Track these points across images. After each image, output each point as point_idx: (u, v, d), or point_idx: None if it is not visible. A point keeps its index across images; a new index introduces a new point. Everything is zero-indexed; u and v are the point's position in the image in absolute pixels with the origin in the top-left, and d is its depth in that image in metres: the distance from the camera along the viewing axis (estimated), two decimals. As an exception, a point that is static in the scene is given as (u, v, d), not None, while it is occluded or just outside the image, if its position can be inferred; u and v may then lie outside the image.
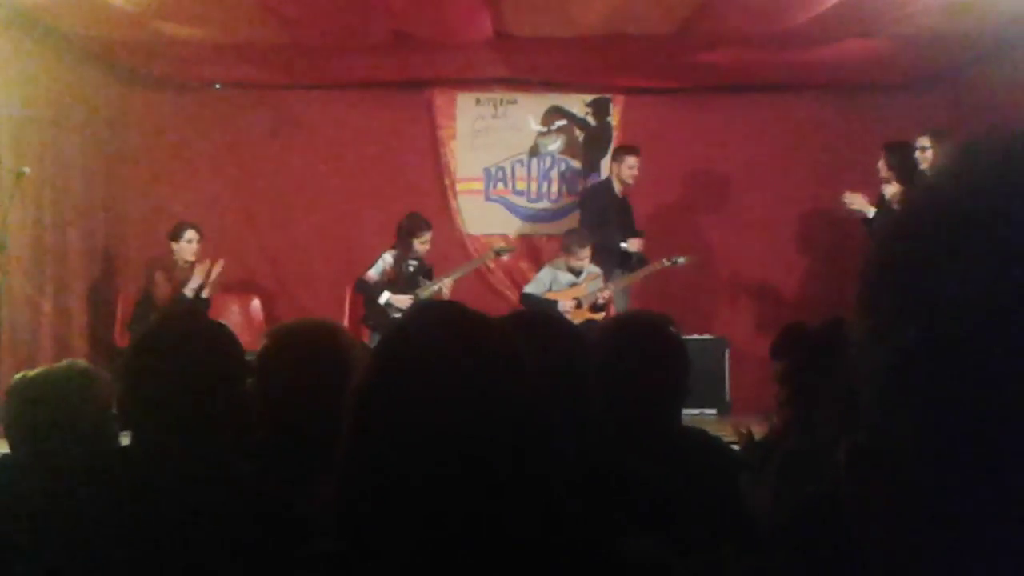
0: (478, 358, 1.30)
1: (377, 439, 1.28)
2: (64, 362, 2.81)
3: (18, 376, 2.74)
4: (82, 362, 2.85)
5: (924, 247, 0.60)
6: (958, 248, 0.57)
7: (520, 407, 1.30)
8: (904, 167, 6.83)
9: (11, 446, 2.70)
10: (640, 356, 2.58)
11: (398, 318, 7.36)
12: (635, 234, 8.02)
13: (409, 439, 1.26)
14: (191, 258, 7.45)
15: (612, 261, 7.89)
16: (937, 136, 6.85)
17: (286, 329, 2.61)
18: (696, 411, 7.13)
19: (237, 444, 2.15)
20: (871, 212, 7.04)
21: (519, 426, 1.29)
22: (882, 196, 7.02)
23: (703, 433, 2.79)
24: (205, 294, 7.44)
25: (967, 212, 0.59)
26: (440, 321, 1.37)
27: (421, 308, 1.49)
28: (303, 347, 2.43)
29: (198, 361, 2.06)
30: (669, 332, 2.75)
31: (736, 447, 3.00)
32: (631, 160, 8.00)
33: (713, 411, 7.72)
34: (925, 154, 6.86)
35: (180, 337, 2.13)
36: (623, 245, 7.89)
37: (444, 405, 1.26)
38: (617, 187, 8.07)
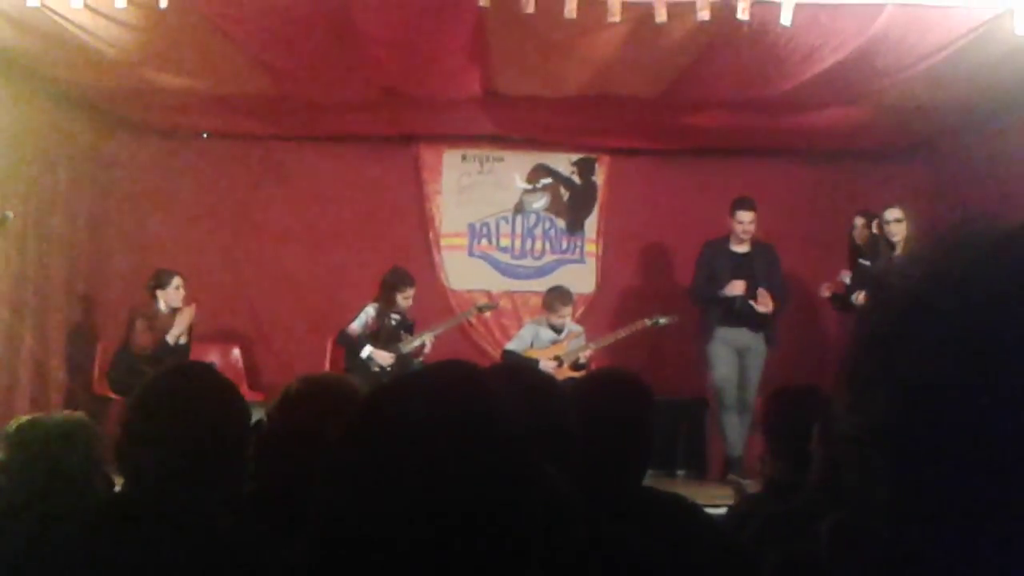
0: (465, 424, 1.29)
1: (351, 497, 1.28)
2: (62, 413, 2.83)
3: (15, 422, 2.74)
4: (79, 414, 2.86)
5: (897, 328, 0.64)
6: (928, 331, 0.62)
7: (508, 476, 1.29)
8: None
9: (4, 490, 2.69)
10: (604, 415, 2.58)
11: (392, 374, 7.37)
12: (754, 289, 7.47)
13: (384, 500, 1.25)
14: (178, 305, 7.43)
15: (715, 314, 7.53)
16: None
17: (311, 379, 2.64)
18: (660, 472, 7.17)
19: (232, 496, 2.15)
20: (828, 293, 7.21)
21: (509, 495, 1.28)
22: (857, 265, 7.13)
23: (668, 494, 2.77)
24: (182, 340, 7.42)
25: (937, 298, 0.63)
26: (431, 382, 1.37)
27: (424, 370, 1.47)
28: (325, 398, 2.45)
29: (201, 413, 2.08)
30: (635, 390, 2.75)
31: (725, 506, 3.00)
32: (739, 215, 7.51)
33: (683, 472, 7.73)
34: (891, 227, 6.97)
35: (185, 388, 2.16)
36: (721, 292, 7.45)
37: (426, 468, 1.25)
38: (733, 242, 7.63)
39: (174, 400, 2.11)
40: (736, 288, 7.41)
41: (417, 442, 1.25)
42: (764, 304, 7.39)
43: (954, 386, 0.60)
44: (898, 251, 6.96)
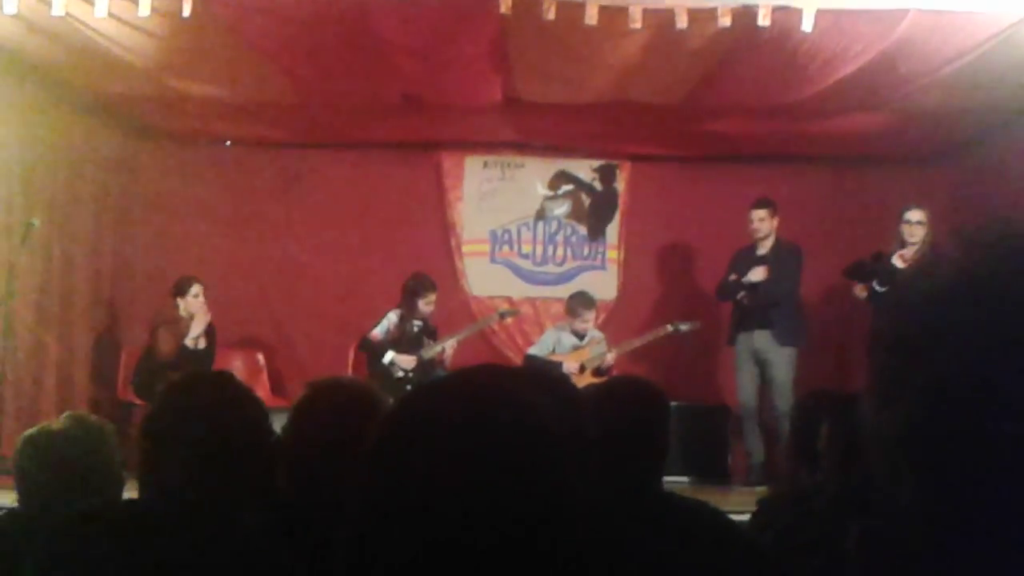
0: (499, 432, 1.26)
1: (386, 506, 1.26)
2: (73, 415, 2.83)
3: (29, 431, 2.76)
4: (91, 416, 2.88)
5: (925, 329, 0.63)
6: (956, 332, 0.61)
7: (540, 485, 1.27)
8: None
9: (21, 499, 2.71)
10: (619, 421, 2.58)
11: (414, 380, 7.38)
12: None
13: (420, 508, 1.22)
14: (197, 312, 7.47)
15: (734, 318, 7.72)
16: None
17: (324, 383, 2.63)
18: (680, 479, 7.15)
19: (256, 501, 2.16)
20: (864, 294, 7.16)
21: (539, 505, 1.26)
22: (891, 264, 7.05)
23: (691, 500, 2.76)
24: (201, 344, 7.43)
25: (965, 298, 0.62)
26: (464, 387, 1.34)
27: (453, 376, 1.43)
28: (342, 402, 2.45)
29: (223, 420, 2.10)
30: (650, 397, 2.74)
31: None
32: (750, 214, 7.63)
33: (714, 479, 7.71)
34: (911, 228, 6.92)
35: (206, 395, 2.18)
36: (745, 278, 7.54)
37: (457, 477, 1.21)
38: (758, 246, 7.67)
39: (191, 408, 2.13)
40: (758, 274, 7.51)
41: (450, 450, 1.23)
42: (756, 274, 7.50)
43: (983, 388, 0.59)
44: (907, 258, 6.90)
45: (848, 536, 0.67)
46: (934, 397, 0.61)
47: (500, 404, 1.27)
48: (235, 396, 2.22)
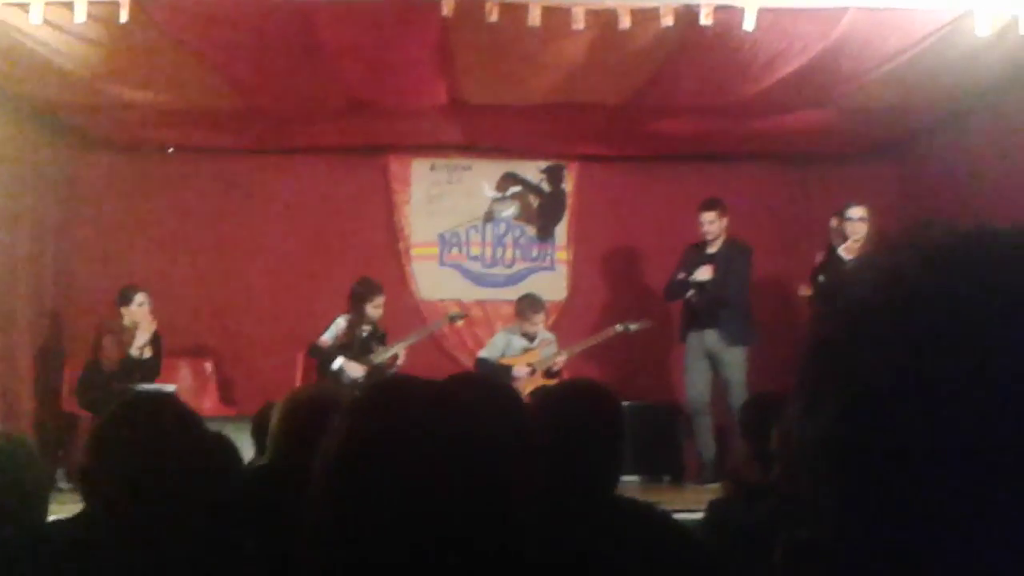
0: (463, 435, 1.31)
1: (349, 510, 1.30)
2: None
3: None
4: (7, 432, 2.78)
5: (846, 334, 0.63)
6: (877, 337, 0.60)
7: (491, 490, 1.33)
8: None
9: None
10: (572, 425, 2.57)
11: (364, 386, 7.34)
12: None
13: (382, 512, 1.27)
14: (141, 321, 7.39)
15: (684, 317, 7.75)
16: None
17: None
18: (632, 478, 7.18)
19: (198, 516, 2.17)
20: (808, 293, 7.25)
21: (497, 506, 1.31)
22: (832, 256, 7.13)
23: (639, 503, 2.76)
24: (147, 354, 7.34)
25: (887, 304, 0.62)
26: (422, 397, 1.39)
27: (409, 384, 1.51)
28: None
29: (159, 443, 2.10)
30: (603, 401, 2.74)
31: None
32: (700, 216, 7.63)
33: (667, 478, 7.75)
34: (853, 224, 7.01)
35: (150, 413, 2.19)
36: (692, 277, 7.57)
37: (419, 481, 1.27)
38: (708, 244, 7.70)
39: (134, 430, 2.15)
40: (704, 273, 7.54)
41: (406, 461, 1.27)
42: (703, 273, 7.53)
43: (903, 395, 0.59)
44: (852, 251, 6.99)
45: (775, 548, 0.66)
46: (856, 402, 0.61)
47: (451, 416, 1.33)
48: (175, 418, 2.23)
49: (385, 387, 1.58)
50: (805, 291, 7.34)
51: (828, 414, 0.62)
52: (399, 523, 1.25)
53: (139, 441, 2.12)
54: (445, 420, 1.31)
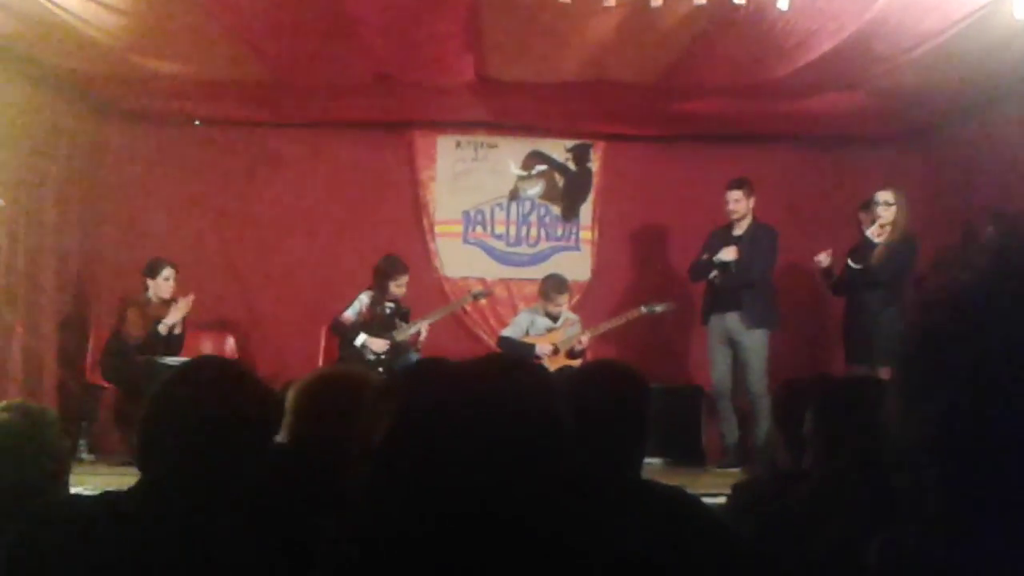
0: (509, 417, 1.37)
1: (399, 489, 1.32)
2: (11, 404, 2.68)
3: None
4: (30, 404, 2.73)
5: (960, 325, 0.59)
6: (995, 328, 0.56)
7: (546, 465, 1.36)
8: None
9: None
10: (599, 406, 2.55)
11: (386, 362, 7.35)
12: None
13: (433, 491, 1.31)
14: (166, 296, 7.40)
15: (706, 300, 7.70)
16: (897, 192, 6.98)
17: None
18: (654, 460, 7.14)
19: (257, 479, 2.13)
20: (827, 262, 7.17)
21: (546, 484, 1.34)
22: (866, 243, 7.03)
23: (667, 487, 2.72)
24: (177, 331, 7.38)
25: (1005, 291, 0.58)
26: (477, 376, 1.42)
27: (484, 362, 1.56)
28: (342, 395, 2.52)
29: (224, 407, 2.08)
30: (630, 381, 2.72)
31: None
32: (726, 195, 7.56)
33: (682, 460, 7.71)
34: (882, 209, 6.92)
35: (207, 381, 2.14)
36: (716, 257, 7.51)
37: (470, 462, 1.31)
38: (733, 226, 7.63)
39: (194, 394, 2.10)
40: (728, 253, 7.48)
41: (460, 437, 1.29)
42: (727, 254, 7.47)
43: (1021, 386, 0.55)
44: (880, 235, 6.91)
45: (868, 547, 0.62)
46: (969, 398, 0.56)
47: (500, 401, 1.40)
48: (236, 382, 2.18)
49: (428, 368, 1.58)
50: (825, 260, 7.25)
51: (938, 407, 0.58)
52: (452, 498, 1.28)
53: (204, 403, 2.07)
54: (494, 400, 1.33)
